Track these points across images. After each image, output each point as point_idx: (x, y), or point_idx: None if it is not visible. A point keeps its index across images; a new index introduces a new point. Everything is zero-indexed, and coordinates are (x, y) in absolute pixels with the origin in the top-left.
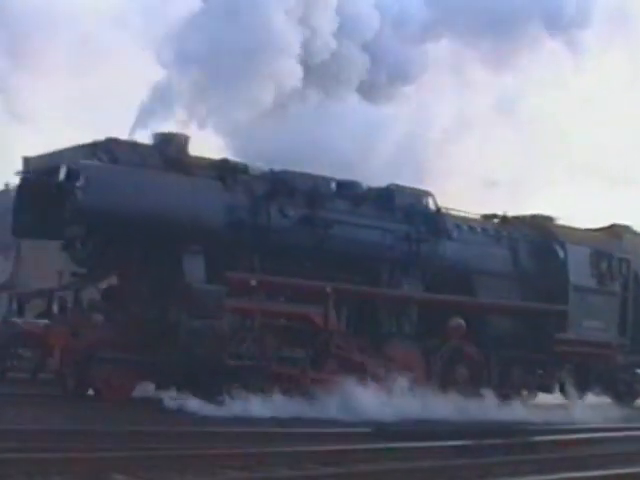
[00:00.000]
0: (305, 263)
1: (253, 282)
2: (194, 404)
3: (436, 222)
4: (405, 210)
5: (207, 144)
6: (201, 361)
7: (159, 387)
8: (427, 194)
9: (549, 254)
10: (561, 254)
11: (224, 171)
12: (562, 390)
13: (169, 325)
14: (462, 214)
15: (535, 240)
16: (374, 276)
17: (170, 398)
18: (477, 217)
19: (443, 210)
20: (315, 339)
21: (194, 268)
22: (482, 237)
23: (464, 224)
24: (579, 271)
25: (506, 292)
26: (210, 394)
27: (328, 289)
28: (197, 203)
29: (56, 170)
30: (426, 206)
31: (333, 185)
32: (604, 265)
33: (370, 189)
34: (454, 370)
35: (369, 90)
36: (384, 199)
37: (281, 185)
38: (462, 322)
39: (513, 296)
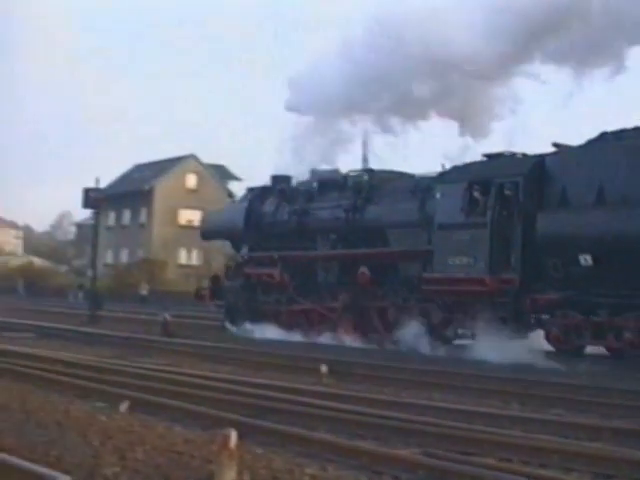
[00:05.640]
0: (291, 239)
1: (241, 258)
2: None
3: (361, 190)
4: (353, 188)
5: None
6: (234, 305)
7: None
8: (366, 171)
9: (426, 199)
10: (437, 195)
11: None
12: None
13: None
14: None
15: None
16: (314, 243)
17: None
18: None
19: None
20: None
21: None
22: (398, 194)
23: (391, 186)
24: (447, 208)
25: (413, 239)
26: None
27: (275, 256)
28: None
29: None
30: (365, 181)
31: (315, 185)
32: (478, 195)
33: (338, 179)
34: None
35: None
36: (340, 183)
37: (282, 194)
38: (364, 270)
39: (420, 242)
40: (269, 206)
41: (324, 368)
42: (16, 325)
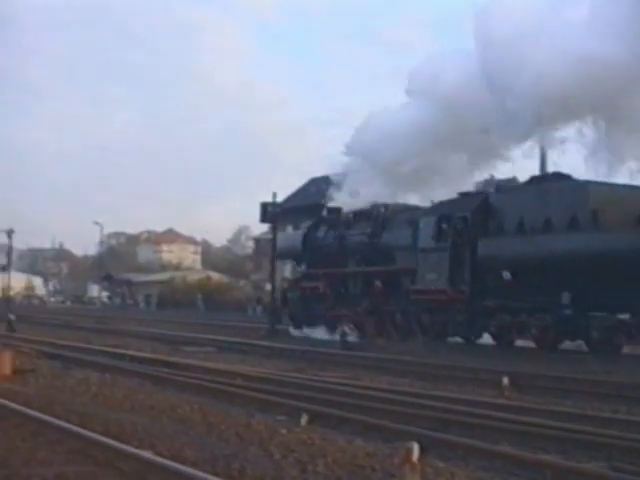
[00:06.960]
0: (333, 259)
1: (298, 274)
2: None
3: (379, 220)
4: (374, 218)
5: None
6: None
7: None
8: (382, 205)
9: (416, 229)
10: (421, 225)
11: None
12: None
13: None
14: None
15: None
16: (347, 262)
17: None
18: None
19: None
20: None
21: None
22: (401, 223)
23: (399, 217)
24: (425, 236)
25: (410, 260)
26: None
27: (319, 272)
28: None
29: None
30: (382, 212)
31: (351, 215)
32: (445, 226)
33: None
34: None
35: None
36: (367, 214)
37: (330, 222)
38: (378, 283)
39: (412, 262)
40: (320, 232)
41: (506, 380)
42: (197, 339)
